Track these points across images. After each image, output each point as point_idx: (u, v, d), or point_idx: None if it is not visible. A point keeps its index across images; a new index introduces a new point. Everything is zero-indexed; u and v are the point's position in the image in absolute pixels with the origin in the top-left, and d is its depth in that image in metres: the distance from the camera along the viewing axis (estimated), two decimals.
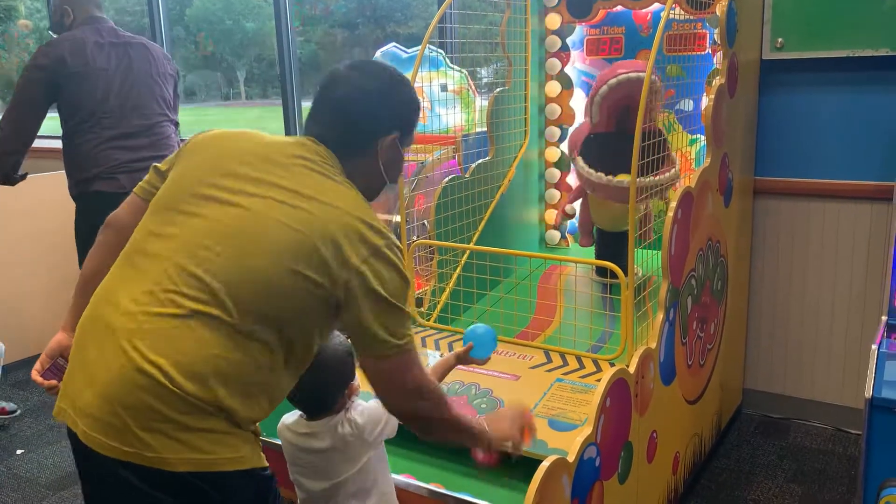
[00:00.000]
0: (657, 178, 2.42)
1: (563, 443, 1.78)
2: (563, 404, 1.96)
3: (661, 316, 2.18)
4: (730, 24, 2.49)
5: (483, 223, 2.79)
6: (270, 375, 1.33)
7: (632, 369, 2.01)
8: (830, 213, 2.95)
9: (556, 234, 3.25)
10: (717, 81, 2.46)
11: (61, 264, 3.85)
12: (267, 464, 1.38)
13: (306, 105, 4.87)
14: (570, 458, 1.72)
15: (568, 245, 3.24)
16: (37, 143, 2.86)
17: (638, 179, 2.15)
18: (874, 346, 2.18)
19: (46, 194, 3.90)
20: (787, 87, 2.94)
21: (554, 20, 3.07)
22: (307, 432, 1.68)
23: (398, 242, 1.42)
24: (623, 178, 2.44)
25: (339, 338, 1.67)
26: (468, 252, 2.62)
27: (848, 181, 2.89)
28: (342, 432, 1.65)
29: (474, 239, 2.72)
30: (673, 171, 2.43)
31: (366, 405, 1.70)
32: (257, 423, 1.37)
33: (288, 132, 4.65)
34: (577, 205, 2.98)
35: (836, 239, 2.96)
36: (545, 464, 1.62)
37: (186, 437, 1.22)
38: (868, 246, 2.89)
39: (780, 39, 2.86)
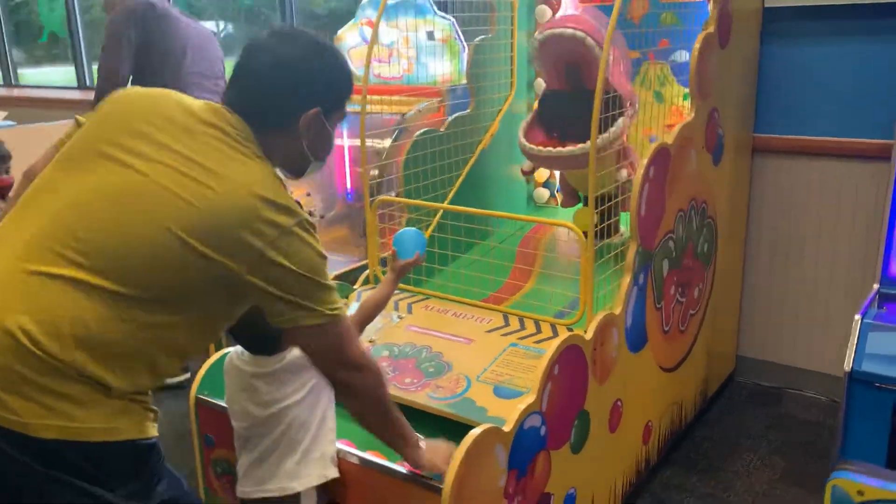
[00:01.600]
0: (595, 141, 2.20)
1: (506, 410, 1.70)
2: (511, 370, 1.87)
3: (627, 279, 2.07)
4: None
5: (460, 180, 2.68)
6: (152, 348, 1.26)
7: (588, 335, 1.91)
8: (832, 172, 2.77)
9: (545, 193, 3.12)
10: (705, 30, 2.30)
11: None
12: (152, 433, 1.31)
13: None
14: (508, 427, 1.64)
15: (557, 203, 3.11)
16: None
17: (580, 146, 2.04)
18: (858, 316, 2.04)
19: None
20: (791, 38, 2.74)
21: None
22: (250, 360, 1.65)
23: (310, 219, 1.33)
24: (572, 148, 2.28)
25: None
26: (441, 211, 2.52)
27: (852, 139, 2.70)
28: (292, 354, 1.62)
29: (449, 197, 2.61)
30: (613, 128, 2.22)
31: None
32: (143, 393, 1.31)
33: None
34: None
35: (838, 201, 2.79)
36: (474, 432, 1.54)
37: (51, 402, 1.16)
38: (871, 209, 2.72)
39: None
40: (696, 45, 2.23)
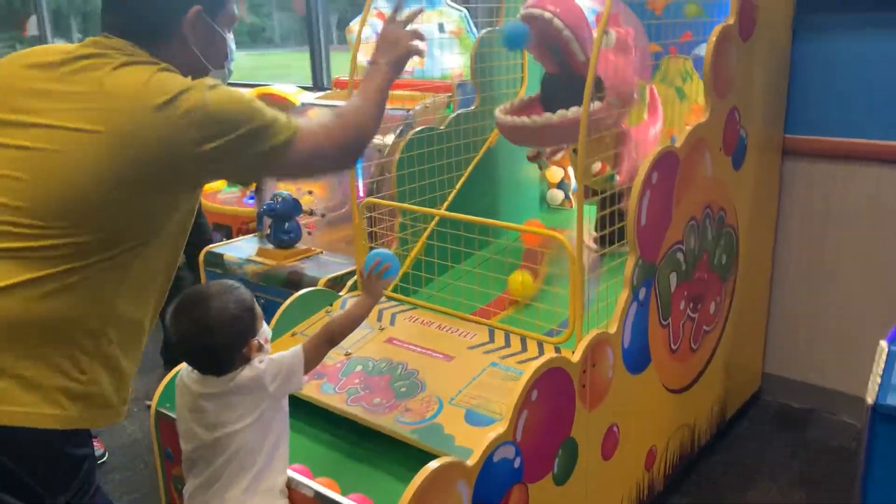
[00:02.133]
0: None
1: (475, 439, 1.55)
2: (487, 393, 1.72)
3: (625, 295, 1.89)
4: None
5: (461, 181, 2.52)
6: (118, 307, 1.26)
7: (575, 357, 1.74)
8: (871, 178, 2.53)
9: (560, 195, 2.94)
10: (723, 22, 2.09)
11: None
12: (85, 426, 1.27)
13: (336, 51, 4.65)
14: (473, 459, 1.49)
15: (571, 206, 2.94)
16: None
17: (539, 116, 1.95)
18: (884, 343, 1.82)
19: None
20: (827, 31, 2.51)
21: None
22: (201, 379, 1.54)
23: (213, 81, 1.28)
24: (544, 116, 2.11)
25: (229, 294, 1.52)
26: (437, 217, 2.37)
27: (893, 141, 2.46)
28: (242, 376, 1.51)
29: (448, 200, 2.46)
30: (574, 108, 2.04)
31: (270, 356, 1.57)
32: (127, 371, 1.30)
33: (315, 82, 4.43)
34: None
35: (878, 210, 2.54)
36: (429, 467, 1.40)
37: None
38: None
39: None
40: (712, 38, 2.03)
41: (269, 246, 2.83)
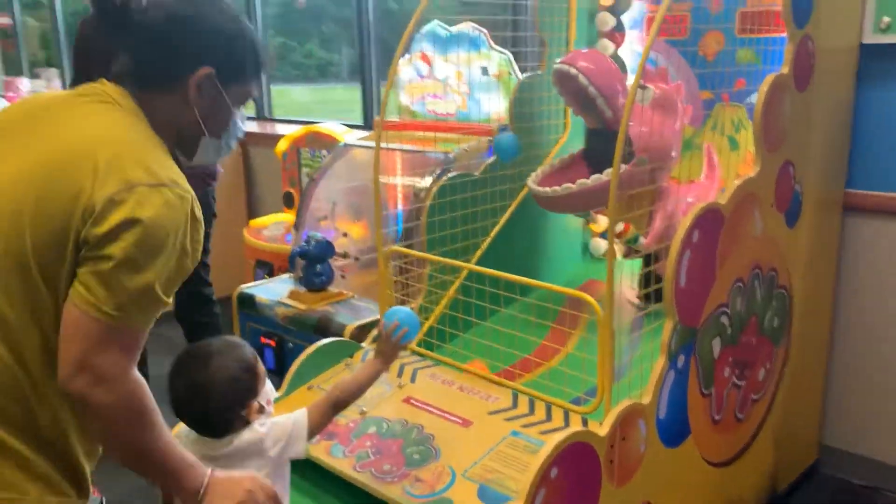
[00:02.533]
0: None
1: None
2: (505, 466, 1.59)
3: (661, 363, 1.75)
4: None
5: (497, 229, 2.42)
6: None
7: (603, 431, 1.61)
8: None
9: (604, 245, 2.81)
10: (776, 71, 1.96)
11: None
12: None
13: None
14: None
15: (616, 257, 2.79)
16: None
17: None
18: None
19: None
20: (894, 80, 2.34)
21: None
22: (212, 454, 1.46)
23: (183, 192, 1.15)
24: (569, 186, 2.08)
25: (230, 353, 1.45)
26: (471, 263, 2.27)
27: None
28: (241, 439, 1.43)
29: (482, 248, 2.36)
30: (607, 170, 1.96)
31: (272, 420, 1.49)
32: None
33: (366, 121, 4.40)
34: None
35: None
36: None
37: None
38: None
39: (885, 18, 2.27)
40: (763, 89, 1.89)
41: (302, 288, 2.77)
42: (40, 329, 1.13)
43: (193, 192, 1.18)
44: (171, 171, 1.16)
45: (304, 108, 8.23)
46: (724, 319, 1.95)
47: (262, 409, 1.48)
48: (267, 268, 3.68)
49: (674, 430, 1.84)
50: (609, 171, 1.89)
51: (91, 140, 1.13)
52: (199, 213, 1.18)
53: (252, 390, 1.46)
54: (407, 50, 3.12)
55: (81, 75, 2.46)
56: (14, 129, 1.20)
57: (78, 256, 1.11)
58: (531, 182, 2.21)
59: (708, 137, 2.44)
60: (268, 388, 1.54)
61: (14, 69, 8.09)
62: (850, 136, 2.43)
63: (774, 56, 2.29)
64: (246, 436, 1.43)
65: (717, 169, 2.29)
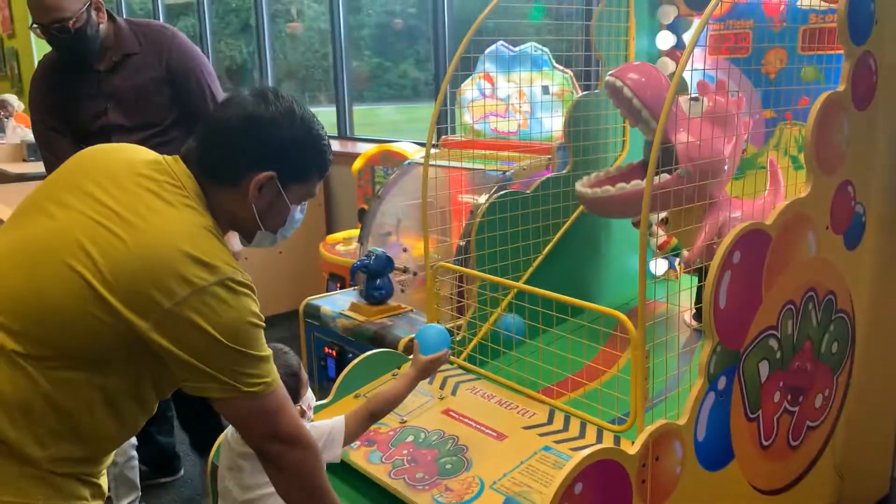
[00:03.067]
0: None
1: None
2: (533, 480, 1.61)
3: (699, 384, 1.73)
4: (857, 12, 1.92)
5: (549, 248, 2.44)
6: (79, 418, 1.21)
7: (633, 450, 1.60)
8: None
9: (663, 265, 2.78)
10: (830, 90, 1.91)
11: None
12: None
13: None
14: None
15: (676, 278, 2.76)
16: None
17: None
18: None
19: None
20: None
21: (668, 13, 2.62)
22: (245, 451, 1.55)
23: (243, 278, 1.22)
24: (609, 189, 2.10)
25: (278, 359, 1.49)
26: (520, 281, 2.30)
27: None
28: None
29: (533, 266, 2.38)
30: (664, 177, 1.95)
31: (313, 423, 1.57)
32: (78, 467, 1.25)
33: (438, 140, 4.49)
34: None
35: None
36: None
37: None
38: None
39: None
40: (815, 108, 1.85)
41: (363, 301, 2.86)
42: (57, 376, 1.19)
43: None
44: (226, 260, 1.22)
45: (392, 127, 8.43)
46: (773, 343, 1.91)
47: (302, 414, 1.56)
48: (339, 281, 3.80)
49: (715, 454, 1.81)
50: (640, 182, 1.89)
51: (164, 241, 1.18)
52: (245, 278, 1.24)
53: (295, 395, 1.54)
54: (471, 69, 3.19)
55: None
56: (79, 182, 1.25)
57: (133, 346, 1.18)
58: (580, 185, 2.21)
59: (771, 156, 2.39)
60: (309, 395, 1.62)
61: None
62: None
63: (839, 73, 2.23)
64: None
65: (781, 184, 2.24)
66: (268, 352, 1.26)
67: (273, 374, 1.27)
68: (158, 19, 7.34)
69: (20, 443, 1.17)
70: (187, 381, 1.23)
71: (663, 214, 2.27)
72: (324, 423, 1.58)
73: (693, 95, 2.11)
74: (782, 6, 2.39)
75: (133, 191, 1.22)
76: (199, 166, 1.29)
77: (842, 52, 2.00)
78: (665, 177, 1.92)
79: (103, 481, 1.33)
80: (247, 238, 1.38)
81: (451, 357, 2.18)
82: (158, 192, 1.23)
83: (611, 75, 2.03)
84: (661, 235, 2.75)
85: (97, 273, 1.15)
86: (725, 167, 2.03)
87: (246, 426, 1.29)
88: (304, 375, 1.62)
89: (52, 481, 1.21)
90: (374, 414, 1.64)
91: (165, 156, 1.31)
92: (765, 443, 1.96)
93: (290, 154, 1.30)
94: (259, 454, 1.32)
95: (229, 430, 1.61)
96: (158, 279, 1.15)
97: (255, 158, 1.28)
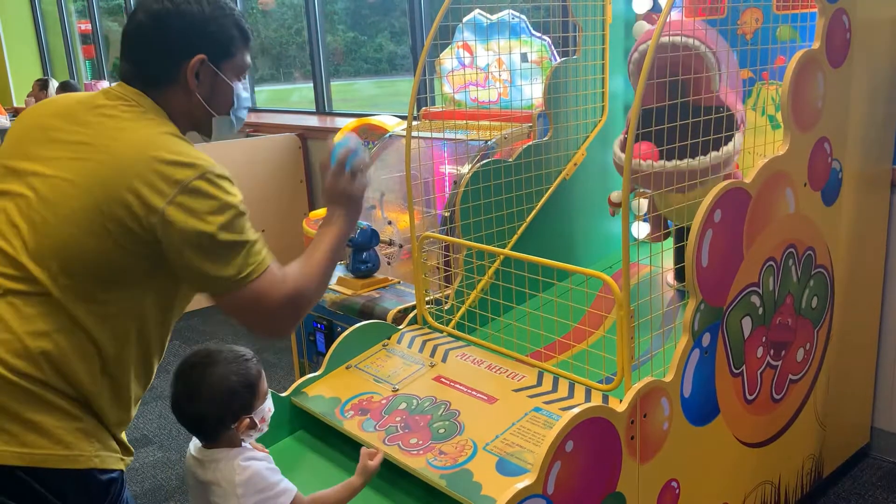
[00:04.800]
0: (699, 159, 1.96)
1: (502, 489, 1.49)
2: (525, 440, 1.65)
3: (684, 341, 1.77)
4: None
5: (533, 214, 2.46)
6: (109, 359, 1.27)
7: (621, 407, 1.64)
8: None
9: (645, 228, 2.81)
10: (805, 49, 1.93)
11: None
12: (115, 466, 1.30)
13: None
14: None
15: (660, 241, 2.79)
16: None
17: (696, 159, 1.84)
18: None
19: None
20: None
21: None
22: (198, 458, 1.54)
23: (221, 171, 1.27)
24: (683, 162, 2.03)
25: (234, 365, 1.49)
26: (506, 248, 2.32)
27: None
28: (220, 470, 1.48)
29: (518, 233, 2.41)
30: (727, 146, 1.97)
31: (257, 467, 1.48)
32: (110, 420, 1.31)
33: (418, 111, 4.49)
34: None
35: None
36: None
37: (17, 429, 1.19)
38: None
39: None
40: (790, 67, 1.88)
41: (349, 275, 2.87)
42: (94, 315, 1.25)
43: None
44: (200, 157, 1.26)
45: (370, 101, 8.37)
46: (755, 299, 1.95)
47: (253, 426, 1.51)
48: None
49: (701, 409, 1.86)
50: (724, 149, 1.96)
51: (133, 147, 1.24)
52: (223, 171, 1.28)
53: (247, 406, 1.49)
54: (448, 39, 3.18)
55: None
56: (52, 136, 1.30)
57: (148, 256, 1.24)
58: (618, 149, 2.18)
59: (748, 116, 2.42)
60: (265, 406, 1.55)
61: (96, 73, 8.53)
62: (894, 112, 2.37)
63: (814, 32, 2.26)
64: (227, 473, 1.46)
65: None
66: (256, 235, 1.30)
67: (262, 251, 1.29)
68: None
69: (67, 390, 1.23)
70: (193, 281, 1.27)
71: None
72: (274, 479, 1.48)
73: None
74: None
75: (95, 122, 1.28)
76: (139, 80, 1.33)
77: (816, 9, 2.03)
78: (738, 141, 1.94)
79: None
80: (206, 132, 1.41)
81: (441, 325, 2.21)
82: (118, 115, 1.29)
83: (677, 35, 2.03)
84: (643, 204, 2.77)
85: (104, 196, 1.21)
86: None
87: (258, 312, 1.29)
88: (264, 386, 1.55)
89: (96, 435, 1.27)
90: None
91: (111, 85, 1.37)
92: (749, 397, 2.01)
93: (209, 32, 1.33)
94: (288, 328, 1.36)
95: (191, 444, 1.59)
96: (149, 181, 1.20)
97: (180, 49, 1.32)
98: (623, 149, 2.17)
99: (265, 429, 1.54)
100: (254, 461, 1.48)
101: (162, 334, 1.37)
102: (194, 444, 1.56)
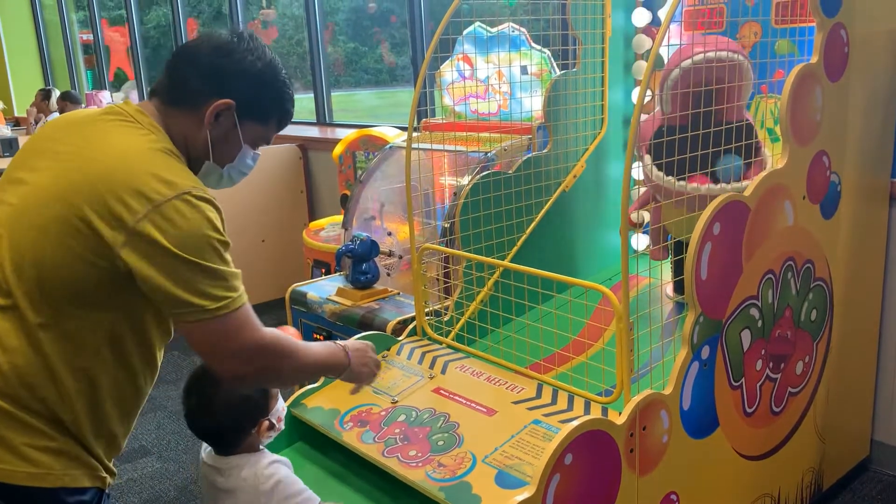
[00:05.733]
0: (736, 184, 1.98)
1: (501, 503, 1.49)
2: (524, 453, 1.65)
3: (683, 354, 1.77)
4: None
5: (532, 227, 2.47)
6: (82, 374, 1.25)
7: (621, 420, 1.64)
8: None
9: (644, 240, 2.82)
10: (805, 62, 1.94)
11: None
12: (92, 484, 1.29)
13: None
14: None
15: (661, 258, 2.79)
16: None
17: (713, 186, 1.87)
18: None
19: None
20: None
21: None
22: (216, 466, 1.54)
23: (204, 193, 1.25)
24: (699, 185, 2.05)
25: None
26: (505, 260, 2.32)
27: None
28: (244, 477, 1.49)
29: (517, 246, 2.41)
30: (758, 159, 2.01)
31: (282, 473, 1.52)
32: (90, 439, 1.29)
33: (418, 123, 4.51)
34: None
35: None
36: None
37: None
38: None
39: None
40: (789, 80, 1.89)
41: (349, 286, 2.87)
42: (64, 331, 1.24)
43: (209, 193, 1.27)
44: (184, 177, 1.25)
45: (371, 112, 8.39)
46: (754, 312, 1.95)
47: (271, 427, 1.53)
48: (324, 267, 3.81)
49: (700, 422, 1.86)
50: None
51: (113, 159, 1.23)
52: (206, 194, 1.26)
53: (262, 409, 1.52)
54: (448, 52, 3.20)
55: None
56: (45, 147, 1.31)
57: (117, 273, 1.21)
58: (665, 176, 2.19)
59: None
60: (279, 406, 1.58)
61: (97, 83, 8.56)
62: (894, 125, 2.37)
63: (812, 46, 2.27)
64: (249, 480, 1.48)
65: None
66: (234, 269, 1.26)
67: (240, 289, 1.26)
68: (130, 10, 7.26)
69: (35, 408, 1.21)
70: (162, 304, 1.23)
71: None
72: (298, 488, 1.52)
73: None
74: None
75: (88, 133, 1.29)
76: (164, 92, 1.34)
77: (814, 24, 2.04)
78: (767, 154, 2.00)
79: (112, 466, 1.36)
80: (194, 170, 1.38)
81: (440, 337, 2.21)
82: (111, 129, 1.28)
83: (723, 50, 2.06)
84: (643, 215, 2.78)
85: (72, 207, 1.19)
86: None
87: (219, 347, 1.25)
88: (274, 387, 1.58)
89: (73, 455, 1.26)
90: None
91: (117, 103, 1.37)
92: (748, 410, 2.01)
93: (253, 89, 1.33)
94: (245, 381, 1.32)
95: (203, 451, 1.59)
96: (120, 196, 1.18)
97: (217, 84, 1.31)
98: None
99: (282, 427, 1.56)
100: (278, 465, 1.51)
101: (145, 354, 1.34)
102: (207, 451, 1.56)
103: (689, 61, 2.14)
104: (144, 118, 1.31)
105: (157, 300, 1.23)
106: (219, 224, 1.25)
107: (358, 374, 1.59)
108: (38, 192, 1.24)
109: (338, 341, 1.58)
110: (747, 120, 2.15)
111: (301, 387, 2.06)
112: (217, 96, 1.31)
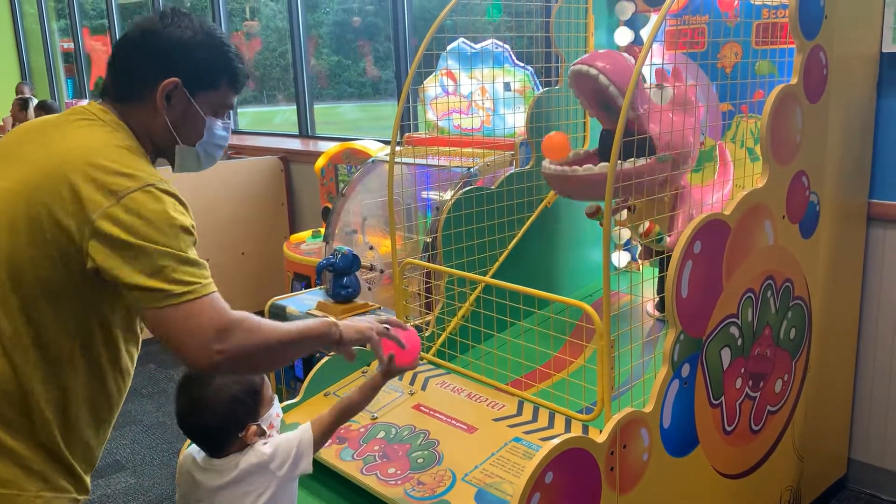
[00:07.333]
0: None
1: None
2: (505, 471, 1.64)
3: (664, 372, 1.77)
4: (807, 8, 1.97)
5: (514, 242, 2.47)
6: (54, 381, 1.24)
7: (601, 438, 1.64)
8: None
9: (626, 257, 2.83)
10: (785, 83, 1.97)
11: None
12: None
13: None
14: None
15: (639, 269, 2.81)
16: None
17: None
18: None
19: None
20: None
21: (626, 9, 2.66)
22: (208, 468, 1.52)
23: (167, 187, 1.23)
24: (577, 169, 2.10)
25: (227, 377, 1.48)
26: (487, 276, 2.32)
27: None
28: (248, 461, 1.48)
29: (499, 261, 2.41)
30: (626, 164, 1.97)
31: (277, 439, 1.52)
32: (63, 451, 1.27)
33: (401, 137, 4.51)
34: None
35: None
36: None
37: None
38: None
39: None
40: (769, 101, 1.91)
41: (330, 300, 2.85)
42: (35, 335, 1.22)
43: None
44: (147, 171, 1.24)
45: (353, 125, 8.39)
46: (734, 330, 1.96)
47: (262, 433, 1.51)
48: (304, 280, 3.79)
49: (680, 440, 1.86)
50: (630, 160, 1.92)
51: (76, 155, 1.22)
52: (171, 188, 1.25)
53: (252, 413, 1.49)
54: (432, 67, 3.21)
55: None
56: (11, 151, 1.31)
57: (84, 268, 1.19)
58: (546, 162, 2.21)
59: (728, 148, 2.45)
60: (272, 413, 1.55)
61: (78, 92, 8.49)
62: (872, 146, 2.41)
63: (792, 67, 2.30)
64: (252, 458, 1.47)
65: (729, 165, 2.31)
66: (199, 260, 1.23)
67: (208, 277, 1.23)
68: (112, 19, 7.22)
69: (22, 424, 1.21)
70: (129, 296, 1.20)
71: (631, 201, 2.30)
72: (291, 437, 1.53)
73: (656, 84, 2.15)
74: (736, 2, 2.44)
75: (51, 133, 1.29)
76: (111, 92, 1.32)
77: (794, 45, 2.06)
78: (640, 162, 1.95)
79: (88, 480, 1.34)
80: (171, 162, 1.38)
81: (421, 353, 2.20)
82: (75, 127, 1.28)
83: (581, 63, 2.06)
84: (626, 224, 2.79)
85: (37, 205, 1.19)
86: (693, 154, 2.08)
87: (183, 334, 1.19)
88: (268, 392, 1.55)
89: (46, 475, 1.24)
90: (341, 418, 1.59)
91: (80, 104, 1.36)
92: (728, 428, 2.01)
93: (192, 59, 1.31)
94: (213, 367, 1.23)
95: (188, 461, 1.57)
96: (83, 191, 1.17)
97: (157, 68, 1.30)
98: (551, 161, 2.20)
99: (275, 434, 1.53)
100: (269, 439, 1.50)
101: (115, 357, 1.32)
102: (192, 456, 1.53)
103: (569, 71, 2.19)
104: (108, 116, 1.30)
105: (124, 292, 1.20)
106: (184, 212, 1.24)
107: (357, 331, 1.44)
108: (5, 195, 1.23)
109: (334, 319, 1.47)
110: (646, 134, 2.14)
111: (279, 401, 2.03)
112: (161, 78, 1.29)
